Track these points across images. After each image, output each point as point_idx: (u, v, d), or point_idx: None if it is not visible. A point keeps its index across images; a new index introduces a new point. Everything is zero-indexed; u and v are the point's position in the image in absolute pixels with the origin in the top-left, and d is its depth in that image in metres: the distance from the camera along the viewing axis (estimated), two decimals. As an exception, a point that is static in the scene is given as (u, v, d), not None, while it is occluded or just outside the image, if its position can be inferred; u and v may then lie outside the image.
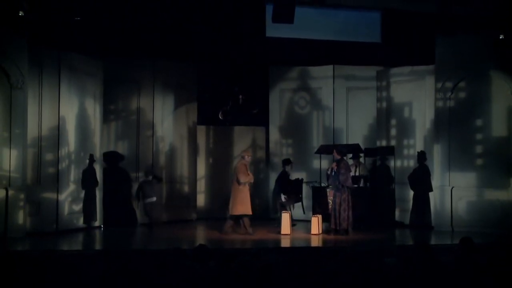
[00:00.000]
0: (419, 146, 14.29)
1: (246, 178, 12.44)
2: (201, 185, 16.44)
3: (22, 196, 11.95)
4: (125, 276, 5.94)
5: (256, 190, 15.38)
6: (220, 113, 15.63)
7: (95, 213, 13.57)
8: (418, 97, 14.45)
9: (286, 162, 14.34)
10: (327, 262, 6.55)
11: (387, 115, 14.93)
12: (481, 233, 11.52)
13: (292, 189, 14.09)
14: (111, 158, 14.41)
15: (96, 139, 13.92)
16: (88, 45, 13.33)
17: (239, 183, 12.40)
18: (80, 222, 13.36)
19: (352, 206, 12.48)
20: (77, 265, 7.19)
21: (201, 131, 16.43)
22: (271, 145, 16.42)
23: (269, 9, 11.60)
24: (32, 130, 12.36)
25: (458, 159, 13.40)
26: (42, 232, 12.22)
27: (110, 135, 14.70)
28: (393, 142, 14.81)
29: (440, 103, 13.65)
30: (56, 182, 12.72)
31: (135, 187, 14.32)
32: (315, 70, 16.05)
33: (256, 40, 13.38)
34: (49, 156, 12.69)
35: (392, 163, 14.67)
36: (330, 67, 15.74)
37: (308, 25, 12.31)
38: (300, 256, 7.74)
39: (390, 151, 14.72)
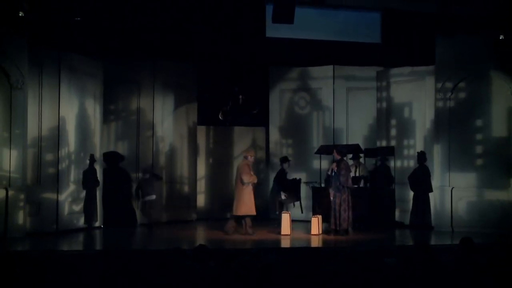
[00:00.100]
0: (419, 147, 14.30)
1: (250, 178, 12.44)
2: (201, 186, 16.44)
3: (22, 196, 11.95)
4: (125, 276, 5.94)
5: (256, 191, 15.29)
6: (220, 113, 15.63)
7: (96, 213, 13.58)
8: (418, 97, 14.45)
9: (284, 160, 14.37)
10: (327, 263, 6.55)
11: (387, 116, 14.94)
12: (481, 234, 11.51)
13: (291, 187, 14.12)
14: (111, 158, 14.41)
15: (96, 139, 13.92)
16: (88, 45, 13.33)
17: (243, 183, 12.39)
18: (80, 222, 13.35)
19: (352, 207, 12.48)
20: (77, 265, 7.19)
21: (201, 131, 16.44)
22: (271, 145, 16.42)
23: (269, 10, 11.61)
24: (32, 130, 12.36)
25: (458, 159, 13.40)
26: (42, 232, 12.22)
27: (110, 135, 14.70)
28: (393, 143, 14.81)
29: (440, 104, 13.65)
30: (56, 182, 12.72)
31: (135, 187, 14.33)
32: (315, 71, 16.06)
33: (256, 40, 13.38)
34: (49, 156, 12.69)
35: (392, 164, 14.67)
36: (330, 67, 15.74)
37: (308, 26, 12.31)
38: (300, 257, 7.73)
39: (390, 151, 14.71)
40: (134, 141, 14.77)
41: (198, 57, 15.22)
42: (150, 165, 14.62)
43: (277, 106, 16.39)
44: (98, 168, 13.79)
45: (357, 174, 14.12)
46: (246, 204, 12.36)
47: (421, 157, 13.82)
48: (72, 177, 13.21)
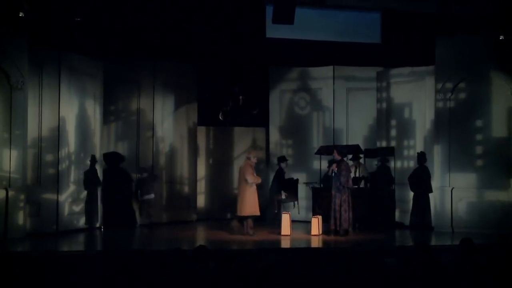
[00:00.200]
0: (419, 147, 14.29)
1: (255, 179, 12.46)
2: (201, 186, 16.43)
3: (22, 196, 11.95)
4: (125, 277, 5.94)
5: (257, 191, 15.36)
6: (220, 113, 15.63)
7: (97, 214, 13.58)
8: (418, 97, 14.45)
9: (281, 159, 14.42)
10: (327, 263, 6.56)
11: (387, 116, 14.93)
12: (481, 234, 11.49)
13: (289, 186, 14.13)
14: (112, 158, 14.40)
15: (96, 139, 13.92)
16: (88, 45, 13.33)
17: (247, 182, 12.38)
18: (80, 222, 13.36)
19: (352, 207, 12.48)
20: (77, 265, 7.19)
21: (201, 131, 16.43)
22: (271, 145, 16.41)
23: (269, 10, 11.61)
24: (32, 131, 12.35)
25: (458, 159, 13.39)
26: (42, 232, 12.22)
27: (110, 135, 14.69)
28: (393, 143, 14.81)
29: (440, 104, 13.65)
30: (56, 183, 12.72)
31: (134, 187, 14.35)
32: (315, 71, 16.05)
33: (256, 41, 13.37)
34: (49, 157, 12.69)
35: (392, 164, 14.67)
36: (330, 67, 15.74)
37: (308, 26, 12.31)
38: (300, 257, 7.73)
39: (390, 152, 14.72)
40: (134, 141, 14.76)
41: (198, 57, 15.21)
42: (150, 165, 14.61)
43: (277, 106, 16.38)
44: (99, 169, 13.79)
45: (357, 175, 14.12)
46: (250, 205, 12.36)
47: (421, 157, 13.82)
48: (72, 178, 13.20)
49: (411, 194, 13.99)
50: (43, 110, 12.63)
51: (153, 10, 12.31)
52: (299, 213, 14.47)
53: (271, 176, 15.58)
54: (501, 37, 12.30)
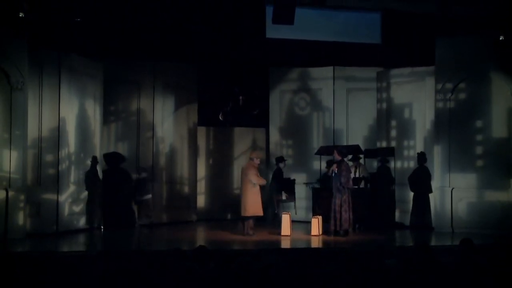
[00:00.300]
0: (419, 147, 14.29)
1: (259, 179, 12.48)
2: (201, 186, 16.43)
3: (22, 197, 11.94)
4: (125, 277, 5.94)
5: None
6: (220, 114, 15.63)
7: (98, 214, 13.58)
8: (418, 98, 14.45)
9: (280, 159, 14.49)
10: (327, 263, 6.55)
11: (387, 116, 14.93)
12: (481, 234, 11.49)
13: (288, 186, 14.15)
14: (112, 159, 14.40)
15: (96, 140, 13.91)
16: (88, 46, 13.33)
17: (252, 183, 12.38)
18: (80, 223, 13.35)
19: (352, 207, 12.48)
20: (77, 266, 7.19)
21: (202, 132, 16.43)
22: (271, 146, 16.41)
23: (269, 10, 11.61)
24: (32, 131, 12.35)
25: (458, 160, 13.39)
26: (42, 233, 12.21)
27: (110, 136, 14.69)
28: (393, 143, 14.81)
29: (440, 104, 13.65)
30: (56, 183, 12.71)
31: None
32: (315, 71, 16.05)
33: (256, 41, 13.38)
34: (49, 157, 12.68)
35: (392, 164, 14.67)
36: (330, 68, 15.74)
37: (308, 26, 12.32)
38: (300, 257, 7.73)
39: (390, 152, 14.71)
40: (134, 142, 14.76)
41: (198, 57, 15.22)
42: (150, 166, 14.61)
43: (277, 106, 16.39)
44: (99, 169, 13.79)
45: (357, 175, 14.12)
46: (253, 205, 12.38)
47: (421, 158, 13.82)
48: (72, 178, 13.20)
49: (411, 194, 13.99)
50: (43, 111, 12.63)
51: (153, 10, 12.32)
52: (296, 214, 14.45)
53: (271, 176, 15.60)
54: (501, 37, 12.31)
